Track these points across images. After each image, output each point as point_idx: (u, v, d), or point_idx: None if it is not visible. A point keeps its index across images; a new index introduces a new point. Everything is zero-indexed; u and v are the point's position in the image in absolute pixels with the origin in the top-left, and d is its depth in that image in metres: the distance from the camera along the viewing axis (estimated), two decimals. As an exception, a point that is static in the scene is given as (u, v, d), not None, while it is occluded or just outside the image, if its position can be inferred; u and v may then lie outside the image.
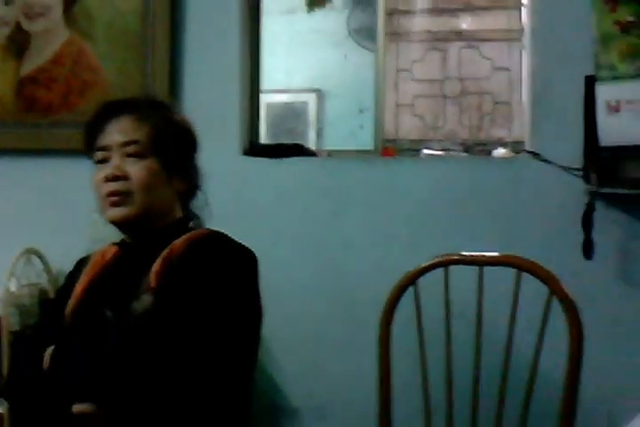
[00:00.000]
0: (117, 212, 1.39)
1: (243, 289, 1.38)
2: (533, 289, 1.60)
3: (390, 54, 2.52)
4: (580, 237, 2.04)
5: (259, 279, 1.42)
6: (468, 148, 2.40)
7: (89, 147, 1.44)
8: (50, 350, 1.31)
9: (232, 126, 2.31)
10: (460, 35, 2.53)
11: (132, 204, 1.39)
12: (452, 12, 2.55)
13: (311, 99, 3.08)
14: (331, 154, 2.44)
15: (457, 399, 1.67)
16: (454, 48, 2.53)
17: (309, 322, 2.24)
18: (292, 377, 2.25)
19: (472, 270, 1.65)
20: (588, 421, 1.75)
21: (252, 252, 1.43)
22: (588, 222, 2.03)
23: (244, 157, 2.32)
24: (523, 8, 2.35)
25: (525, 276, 1.61)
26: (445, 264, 1.65)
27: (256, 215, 2.25)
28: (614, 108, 2.07)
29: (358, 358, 2.13)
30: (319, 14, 2.57)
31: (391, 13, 2.54)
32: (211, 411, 1.30)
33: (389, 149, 2.38)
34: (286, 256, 2.22)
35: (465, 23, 2.54)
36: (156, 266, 1.35)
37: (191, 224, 1.48)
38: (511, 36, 2.38)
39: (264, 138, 2.60)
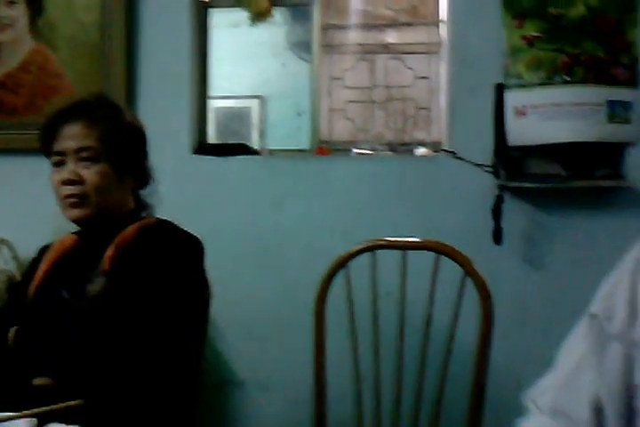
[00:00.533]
0: (76, 212, 1.39)
1: (189, 271, 1.37)
2: (450, 271, 1.62)
3: (325, 64, 2.53)
4: (490, 225, 2.08)
5: (205, 263, 1.42)
6: (393, 148, 2.42)
7: (45, 150, 1.42)
8: (14, 328, 1.29)
9: (183, 128, 2.29)
10: (386, 47, 2.55)
11: (88, 205, 1.38)
12: (380, 27, 2.57)
13: (254, 104, 3.06)
14: (272, 153, 2.44)
15: (383, 369, 1.69)
16: (381, 59, 2.55)
17: (253, 303, 2.24)
18: (238, 353, 2.25)
19: (396, 254, 1.68)
20: (499, 386, 1.78)
21: (198, 238, 1.42)
22: (497, 213, 2.08)
23: (194, 155, 2.30)
24: (441, 24, 2.38)
25: (443, 259, 1.63)
26: (373, 249, 1.66)
27: (204, 208, 2.24)
28: (521, 113, 2.12)
29: (296, 334, 2.14)
30: (261, 28, 2.56)
31: (326, 28, 2.54)
32: (160, 385, 1.29)
33: (324, 148, 2.39)
34: (232, 245, 2.22)
35: (390, 37, 2.56)
36: (108, 251, 1.34)
37: (143, 214, 1.47)
38: (431, 49, 2.41)
39: (212, 140, 2.58)
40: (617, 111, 2.08)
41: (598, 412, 0.71)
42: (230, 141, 2.61)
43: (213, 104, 2.61)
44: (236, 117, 3.09)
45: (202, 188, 2.27)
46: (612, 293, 0.71)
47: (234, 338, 2.24)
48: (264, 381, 2.24)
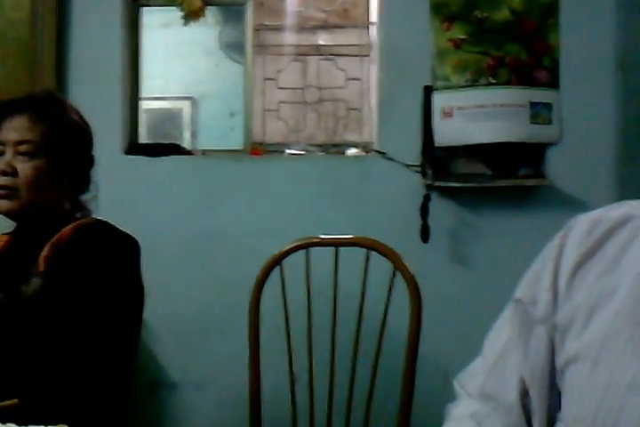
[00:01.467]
0: (3, 204, 1.34)
1: (126, 272, 1.35)
2: (381, 266, 1.65)
3: (258, 65, 2.52)
4: (418, 223, 2.13)
5: (140, 264, 1.40)
6: (325, 149, 2.44)
7: None
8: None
9: (114, 128, 2.25)
10: (318, 49, 2.57)
11: (17, 198, 1.34)
12: (312, 29, 2.59)
13: (186, 105, 3.03)
14: (205, 153, 2.42)
15: (317, 367, 1.70)
16: (313, 61, 2.56)
17: (186, 304, 2.21)
18: (171, 355, 2.23)
19: (330, 251, 1.69)
20: (427, 381, 1.83)
21: (135, 238, 1.40)
22: (424, 211, 2.13)
23: (125, 155, 2.27)
24: (371, 26, 2.41)
25: (374, 255, 1.66)
26: (306, 246, 1.67)
27: (137, 209, 2.21)
28: (447, 114, 2.17)
29: (230, 335, 2.13)
30: (194, 28, 2.53)
31: (258, 29, 2.54)
32: (92, 386, 1.27)
33: (258, 149, 2.38)
34: (165, 246, 2.19)
35: (322, 39, 2.59)
36: (44, 251, 1.31)
37: (78, 215, 1.43)
38: (362, 51, 2.45)
39: (143, 141, 2.54)
40: (539, 112, 2.16)
41: (524, 393, 0.73)
42: (163, 142, 2.58)
43: (145, 105, 2.57)
44: (168, 118, 3.05)
45: (133, 188, 2.23)
46: (535, 278, 0.74)
47: (166, 339, 2.21)
48: (197, 381, 2.22)
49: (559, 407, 0.71)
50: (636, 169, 2.15)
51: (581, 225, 0.72)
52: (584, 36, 2.17)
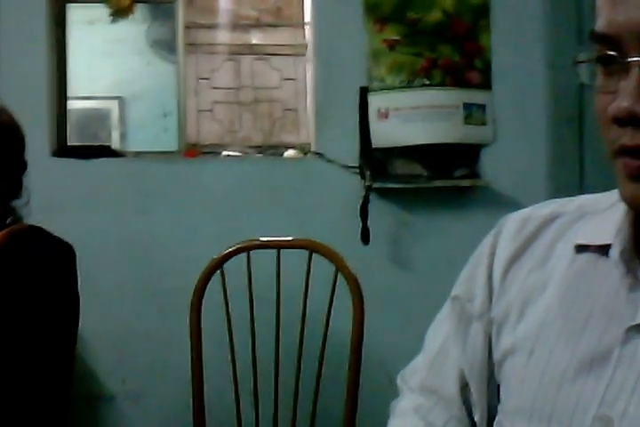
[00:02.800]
0: None
1: (61, 281, 1.35)
2: (323, 268, 1.69)
3: (190, 64, 2.54)
4: (358, 225, 2.19)
5: (77, 271, 1.40)
6: (262, 150, 2.48)
7: None
8: None
9: (41, 129, 2.22)
10: (251, 48, 2.60)
11: None
12: (245, 27, 2.62)
13: (114, 105, 3.01)
14: (137, 155, 2.42)
15: (261, 374, 1.72)
16: (247, 60, 2.59)
17: (122, 314, 2.20)
18: (107, 366, 2.21)
19: (271, 254, 1.72)
20: (372, 381, 1.88)
21: (70, 245, 1.40)
22: (364, 213, 2.19)
23: (53, 158, 2.24)
24: (306, 26, 2.46)
25: (315, 256, 1.70)
26: (247, 249, 1.70)
27: (67, 214, 2.18)
28: (384, 115, 2.24)
29: (171, 342, 2.13)
30: (122, 25, 2.53)
31: (189, 27, 2.56)
32: (29, 402, 1.27)
33: (192, 150, 2.40)
34: (98, 252, 2.17)
35: (256, 38, 2.62)
36: (-24, 259, 1.29)
37: (9, 221, 1.42)
38: (297, 51, 2.49)
39: (70, 142, 2.51)
40: (473, 113, 2.26)
41: (464, 387, 0.79)
42: (91, 144, 2.56)
43: (71, 105, 2.54)
44: (96, 119, 3.02)
45: (63, 192, 2.21)
46: (471, 276, 0.79)
47: (102, 349, 2.20)
48: (136, 393, 2.21)
49: (499, 400, 0.76)
50: (568, 168, 2.27)
51: (512, 223, 0.78)
52: (515, 38, 2.28)
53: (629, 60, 0.56)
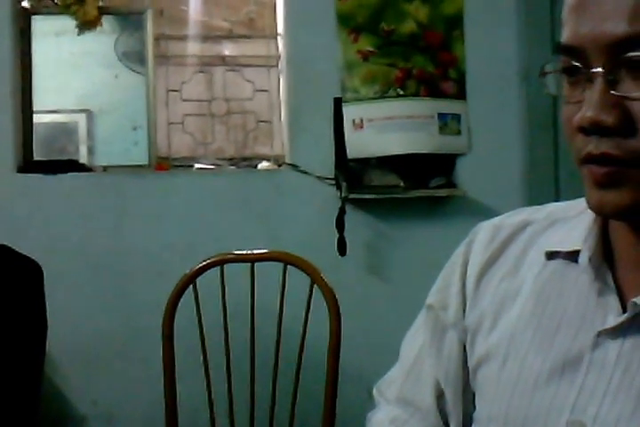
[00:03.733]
0: None
1: (29, 301, 1.34)
2: (298, 280, 1.70)
3: (160, 76, 2.54)
4: (334, 236, 2.20)
5: (44, 290, 1.39)
6: (235, 163, 2.49)
7: None
8: None
9: (6, 144, 2.22)
10: (223, 60, 2.61)
11: None
12: (216, 38, 2.63)
13: (82, 118, 3.00)
14: (107, 169, 2.42)
15: (236, 390, 1.72)
16: (219, 71, 2.61)
17: (94, 331, 2.19)
18: (78, 386, 2.20)
19: (245, 267, 1.73)
20: (350, 395, 1.89)
21: (37, 263, 1.40)
22: (340, 224, 2.21)
23: (19, 174, 2.23)
24: (279, 37, 2.49)
25: (291, 269, 1.71)
26: (220, 263, 1.70)
27: (34, 231, 2.18)
28: (358, 126, 2.27)
29: (143, 360, 2.13)
30: (89, 37, 2.53)
31: (158, 38, 2.57)
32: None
33: (163, 164, 2.40)
34: (67, 270, 2.17)
35: (228, 49, 2.64)
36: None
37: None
38: (269, 62, 2.51)
39: (37, 157, 2.50)
40: (447, 123, 2.29)
41: (440, 396, 0.80)
42: (58, 158, 2.55)
43: (37, 119, 2.54)
44: (64, 133, 3.01)
45: (29, 209, 2.20)
46: (445, 285, 0.81)
47: (72, 369, 2.18)
48: (108, 413, 2.20)
49: (474, 408, 0.78)
50: (543, 176, 2.31)
51: (484, 232, 0.80)
52: (488, 48, 2.32)
53: (593, 71, 0.58)
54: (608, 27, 0.57)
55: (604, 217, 0.67)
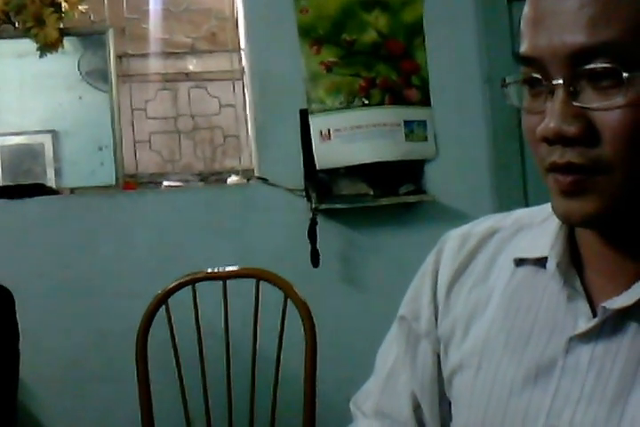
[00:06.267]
0: None
1: (1, 327, 1.32)
2: (272, 296, 1.69)
3: (124, 94, 2.52)
4: (307, 248, 2.20)
5: (16, 317, 1.37)
6: (204, 178, 2.47)
7: None
8: None
9: (-33, 170, 2.18)
10: (187, 76, 2.60)
11: None
12: (179, 55, 2.62)
13: (47, 139, 2.96)
14: (73, 191, 2.39)
15: (214, 409, 1.70)
16: (184, 88, 2.59)
17: (66, 355, 2.16)
18: (54, 413, 2.16)
19: (218, 285, 1.72)
20: (329, 405, 1.87)
21: (8, 289, 1.37)
22: (312, 235, 2.20)
23: (-18, 199, 2.20)
24: (242, 51, 2.49)
25: (264, 284, 1.70)
26: (191, 282, 1.69)
27: (3, 256, 2.14)
28: (326, 136, 2.27)
29: (119, 384, 2.09)
30: (51, 58, 2.51)
31: (121, 56, 2.55)
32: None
33: (131, 183, 2.38)
34: (38, 294, 2.13)
35: (191, 65, 2.63)
36: None
37: None
38: (234, 76, 2.50)
39: (1, 181, 2.47)
40: (413, 130, 2.30)
41: (417, 407, 0.80)
42: (23, 182, 2.51)
43: (2, 142, 2.50)
44: (27, 155, 2.96)
45: (-3, 234, 2.16)
46: (416, 295, 0.81)
47: (47, 397, 2.14)
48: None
49: (451, 418, 0.78)
50: (511, 179, 2.33)
51: (452, 241, 0.80)
52: (450, 54, 2.34)
53: (554, 82, 0.58)
54: (566, 38, 0.57)
55: (571, 225, 0.67)
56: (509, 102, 0.65)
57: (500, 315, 0.72)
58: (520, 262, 0.72)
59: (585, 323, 0.64)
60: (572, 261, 0.68)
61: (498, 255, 0.76)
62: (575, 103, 0.58)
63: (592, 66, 0.57)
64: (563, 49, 0.57)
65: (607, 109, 0.57)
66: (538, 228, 0.73)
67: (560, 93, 0.58)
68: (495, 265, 0.75)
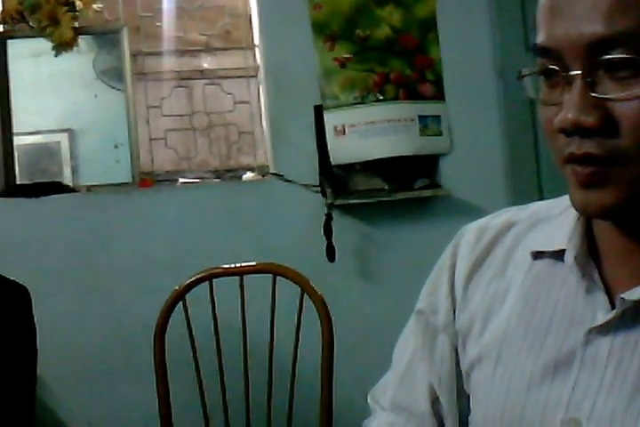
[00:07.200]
0: None
1: (18, 326, 1.33)
2: (288, 291, 1.70)
3: (139, 92, 2.53)
4: (323, 243, 2.20)
5: (33, 314, 1.38)
6: (219, 175, 2.48)
7: None
8: None
9: (-14, 169, 2.20)
10: (202, 73, 2.61)
11: None
12: (193, 52, 2.63)
13: (63, 138, 2.97)
14: (90, 189, 2.40)
15: (231, 403, 1.71)
16: (198, 85, 2.60)
17: (84, 351, 2.17)
18: (72, 408, 2.17)
19: (235, 281, 1.72)
20: (346, 400, 1.88)
21: (25, 287, 1.38)
22: (328, 230, 2.20)
23: (1, 198, 2.21)
24: (256, 48, 2.49)
25: (281, 280, 1.70)
26: (209, 278, 1.69)
27: (20, 255, 2.15)
28: (340, 132, 2.27)
29: (137, 380, 2.10)
30: (66, 57, 2.52)
31: (136, 55, 2.56)
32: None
33: (147, 180, 2.39)
34: (55, 292, 2.14)
35: (206, 63, 2.63)
36: None
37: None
38: (248, 73, 2.51)
39: (19, 180, 2.49)
40: (428, 125, 2.30)
41: (435, 401, 0.80)
42: (40, 180, 2.53)
43: (19, 141, 2.52)
44: (45, 154, 2.98)
45: (14, 233, 2.18)
46: (433, 289, 0.81)
47: (66, 393, 2.16)
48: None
49: (470, 411, 0.77)
50: (525, 172, 2.32)
51: (470, 234, 0.79)
52: (463, 48, 2.33)
53: (571, 73, 0.58)
54: (584, 28, 0.56)
55: (589, 217, 0.67)
56: (526, 94, 0.65)
57: (518, 308, 0.72)
58: (537, 255, 0.72)
59: (603, 315, 0.64)
60: (590, 253, 0.67)
61: (515, 248, 0.75)
62: (593, 94, 0.58)
63: (610, 56, 0.56)
64: (580, 39, 0.57)
65: (625, 100, 0.57)
66: (555, 220, 0.73)
67: (578, 84, 0.58)
68: (512, 258, 0.75)
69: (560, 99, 0.59)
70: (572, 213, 0.69)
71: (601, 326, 0.64)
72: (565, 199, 0.68)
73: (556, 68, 0.59)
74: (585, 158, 0.59)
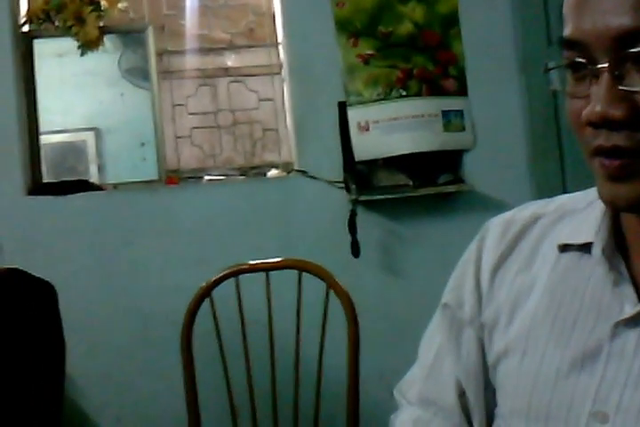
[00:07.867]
0: None
1: (44, 323, 1.35)
2: (314, 286, 1.70)
3: (164, 91, 2.55)
4: (347, 239, 2.20)
5: (59, 311, 1.40)
6: (244, 172, 2.49)
7: None
8: None
9: (13, 168, 2.22)
10: (226, 71, 2.62)
11: None
12: (218, 51, 2.64)
13: (90, 137, 3.00)
14: (116, 187, 2.42)
15: (258, 399, 1.71)
16: (223, 83, 2.61)
17: (111, 349, 2.19)
18: (100, 404, 2.19)
19: (261, 277, 1.73)
20: (371, 394, 1.88)
21: (51, 284, 1.40)
22: (352, 226, 2.21)
23: (29, 196, 2.23)
24: (280, 46, 2.50)
25: (306, 276, 1.71)
26: (235, 274, 1.70)
27: (48, 252, 2.17)
28: (364, 128, 2.27)
29: (164, 376, 2.12)
30: (92, 56, 2.54)
31: (161, 54, 2.57)
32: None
33: (173, 177, 2.41)
34: (82, 289, 2.16)
35: (230, 61, 2.64)
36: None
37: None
38: (272, 71, 2.52)
39: (46, 178, 2.52)
40: (451, 120, 2.29)
41: (461, 395, 0.80)
42: (67, 179, 2.56)
43: (44, 140, 2.55)
44: (71, 152, 3.01)
45: (41, 231, 2.20)
46: (459, 282, 0.81)
47: (93, 389, 2.18)
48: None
49: (496, 404, 0.77)
50: (549, 167, 2.30)
51: (495, 227, 0.79)
52: (486, 44, 2.32)
53: (598, 66, 0.58)
54: (611, 21, 0.56)
55: (618, 210, 0.66)
56: (552, 87, 0.65)
57: (545, 301, 0.72)
58: (564, 248, 0.72)
59: (631, 308, 0.64)
60: (617, 246, 0.67)
61: (541, 241, 0.75)
62: (621, 87, 0.57)
63: (637, 49, 0.56)
64: (607, 32, 0.57)
65: None
66: (581, 213, 0.73)
67: (605, 77, 0.58)
68: (539, 251, 0.75)
69: (587, 92, 0.59)
70: (599, 206, 0.69)
71: (628, 318, 0.64)
72: (591, 192, 0.68)
73: (584, 61, 0.59)
74: (613, 151, 0.59)
